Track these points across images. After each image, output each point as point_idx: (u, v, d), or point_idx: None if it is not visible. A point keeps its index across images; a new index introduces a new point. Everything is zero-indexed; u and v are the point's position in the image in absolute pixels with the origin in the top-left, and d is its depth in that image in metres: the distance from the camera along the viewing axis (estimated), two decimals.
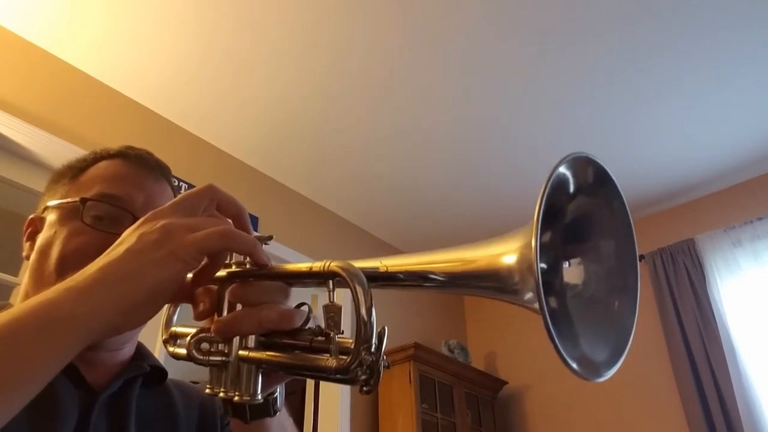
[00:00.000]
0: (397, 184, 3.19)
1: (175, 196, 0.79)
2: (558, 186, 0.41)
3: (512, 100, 2.64)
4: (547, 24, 2.26)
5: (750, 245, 3.04)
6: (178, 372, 0.82)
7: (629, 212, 0.47)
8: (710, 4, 2.19)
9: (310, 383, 3.09)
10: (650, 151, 2.98)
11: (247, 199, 2.86)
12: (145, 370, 0.71)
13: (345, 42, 2.32)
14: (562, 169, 0.41)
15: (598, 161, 0.44)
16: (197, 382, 1.08)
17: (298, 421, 3.94)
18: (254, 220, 2.85)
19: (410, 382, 2.95)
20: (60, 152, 2.16)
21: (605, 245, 0.46)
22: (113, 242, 0.46)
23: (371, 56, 2.39)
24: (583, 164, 0.43)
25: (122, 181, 0.72)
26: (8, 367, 0.38)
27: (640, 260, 3.41)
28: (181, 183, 2.54)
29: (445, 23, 2.24)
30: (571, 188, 0.43)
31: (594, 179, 0.44)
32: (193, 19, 2.20)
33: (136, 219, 0.68)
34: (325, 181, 3.15)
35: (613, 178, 0.45)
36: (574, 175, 0.43)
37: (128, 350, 0.73)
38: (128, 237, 0.46)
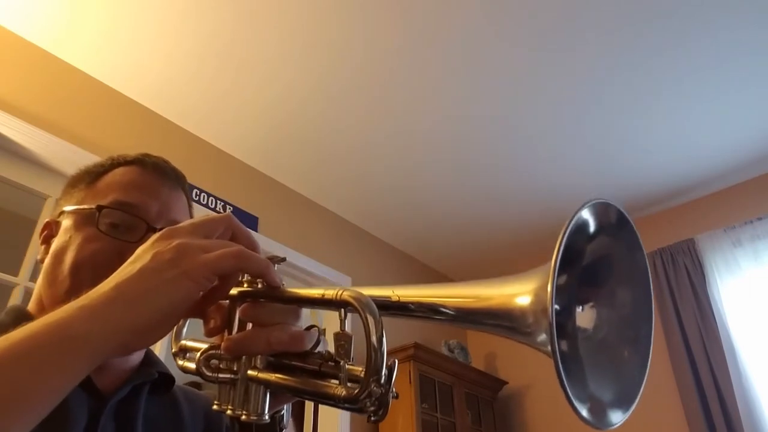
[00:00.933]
0: (397, 184, 3.19)
1: (190, 204, 0.80)
2: (577, 229, 0.40)
3: (512, 100, 2.64)
4: (547, 24, 2.26)
5: (750, 245, 3.04)
6: (185, 375, 0.83)
7: (648, 265, 0.47)
8: (710, 4, 2.19)
9: None
10: (650, 151, 2.98)
11: (247, 199, 2.86)
12: (153, 377, 0.72)
13: (345, 42, 2.32)
14: (584, 214, 0.41)
15: (620, 207, 0.43)
16: (199, 384, 1.09)
17: (298, 421, 3.94)
18: (254, 220, 2.85)
19: (410, 382, 2.95)
20: (60, 152, 2.16)
21: (621, 293, 0.46)
22: (127, 250, 0.47)
23: (371, 56, 2.39)
24: (605, 210, 0.43)
25: (138, 189, 0.73)
26: (22, 385, 0.38)
27: None
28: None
29: (444, 23, 2.25)
30: (591, 232, 0.43)
31: (615, 227, 0.44)
32: (193, 19, 2.20)
33: (150, 227, 0.69)
34: (325, 181, 3.15)
35: (635, 228, 0.45)
36: (595, 221, 0.42)
37: (137, 356, 0.73)
38: (143, 254, 0.46)
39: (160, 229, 0.68)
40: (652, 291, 0.47)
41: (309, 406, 3.05)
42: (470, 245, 3.79)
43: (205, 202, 2.64)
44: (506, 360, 3.77)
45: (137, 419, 0.67)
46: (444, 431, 3.08)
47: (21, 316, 0.68)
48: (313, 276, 3.04)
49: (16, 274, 1.97)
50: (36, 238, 2.04)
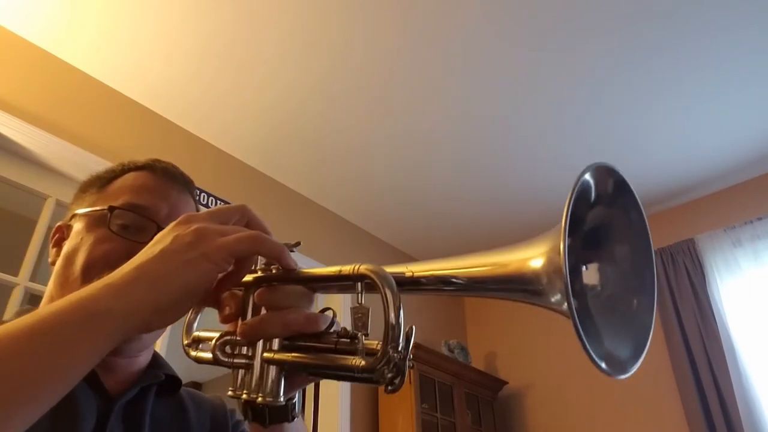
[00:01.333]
0: (397, 184, 3.19)
1: (197, 208, 0.82)
2: (581, 193, 0.42)
3: (512, 100, 2.64)
4: (547, 24, 2.26)
5: (750, 245, 3.04)
6: (185, 374, 0.83)
7: (646, 217, 0.48)
8: (710, 4, 2.19)
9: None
10: (650, 151, 2.98)
11: (247, 199, 2.86)
12: (160, 379, 0.73)
13: (345, 42, 2.32)
14: (587, 177, 0.43)
15: (619, 171, 0.45)
16: (199, 384, 1.09)
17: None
18: None
19: (410, 382, 2.95)
20: (60, 152, 2.16)
21: (622, 249, 0.48)
22: (138, 250, 0.48)
23: (371, 56, 2.39)
24: (605, 173, 0.45)
25: (148, 192, 0.74)
26: (50, 358, 0.40)
27: None
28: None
29: (444, 24, 2.25)
30: (593, 195, 0.45)
31: (614, 188, 0.46)
32: (193, 20, 2.20)
33: (160, 229, 0.70)
34: (325, 181, 3.15)
35: (632, 188, 0.47)
36: (596, 183, 0.44)
37: (144, 358, 0.75)
38: (164, 237, 0.48)
39: None
40: (651, 240, 0.48)
41: (309, 406, 3.05)
42: (470, 245, 3.78)
43: (205, 202, 2.64)
44: (506, 360, 3.77)
45: (144, 421, 0.68)
46: (444, 431, 3.08)
47: None
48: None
49: (16, 274, 1.97)
50: (36, 239, 2.04)
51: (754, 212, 3.08)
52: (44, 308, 0.42)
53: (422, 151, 2.94)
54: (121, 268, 0.46)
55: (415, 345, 3.02)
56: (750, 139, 2.95)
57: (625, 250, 0.48)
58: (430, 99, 2.62)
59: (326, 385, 2.96)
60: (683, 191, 3.33)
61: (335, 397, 2.83)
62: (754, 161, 3.10)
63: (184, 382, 0.79)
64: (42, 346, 0.40)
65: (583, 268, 0.47)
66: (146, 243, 0.54)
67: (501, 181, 3.19)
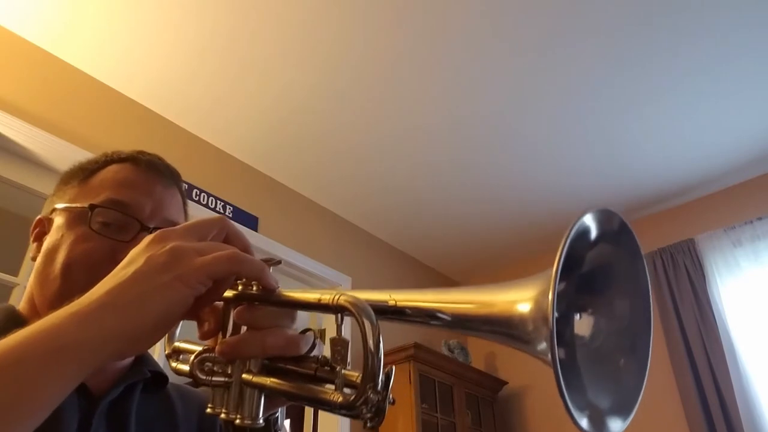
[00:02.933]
0: (397, 184, 3.19)
1: (185, 202, 0.79)
2: (578, 236, 0.40)
3: (512, 100, 2.64)
4: (547, 24, 2.26)
5: (750, 245, 3.04)
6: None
7: (648, 276, 0.46)
8: (710, 4, 2.19)
9: None
10: (650, 151, 2.98)
11: (247, 199, 2.86)
12: (145, 376, 0.71)
13: (345, 42, 2.32)
14: (586, 221, 0.40)
15: (622, 217, 0.43)
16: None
17: (299, 421, 3.94)
18: (254, 220, 2.85)
19: (410, 382, 2.95)
20: (60, 152, 2.16)
21: (620, 302, 0.46)
22: (119, 249, 0.46)
23: (371, 56, 2.39)
24: (607, 218, 0.42)
25: (131, 187, 0.72)
26: (13, 395, 0.37)
27: None
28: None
29: (444, 24, 2.24)
30: (592, 239, 0.42)
31: (616, 235, 0.44)
32: (193, 19, 2.20)
33: (143, 227, 0.68)
34: (325, 181, 3.15)
35: (636, 237, 0.44)
36: (597, 228, 0.42)
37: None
38: (137, 258, 0.45)
39: (154, 228, 0.66)
40: (651, 301, 0.46)
41: (309, 408, 3.05)
42: (470, 245, 3.79)
43: (205, 202, 2.64)
44: (506, 360, 3.77)
45: (130, 419, 0.66)
46: (444, 431, 3.08)
47: (11, 317, 0.68)
48: (313, 276, 3.04)
49: (16, 274, 1.97)
50: None
51: (754, 212, 3.08)
52: (6, 340, 0.40)
53: (422, 151, 2.94)
54: (90, 292, 0.43)
55: (415, 345, 3.02)
56: (750, 139, 2.95)
57: (624, 303, 0.45)
58: (430, 99, 2.62)
59: None
60: (683, 191, 3.33)
61: None
62: (754, 161, 3.10)
63: (185, 382, 0.79)
64: (3, 382, 0.37)
65: (577, 316, 0.45)
66: (129, 242, 0.53)
67: (501, 181, 3.19)
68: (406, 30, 2.27)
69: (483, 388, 3.45)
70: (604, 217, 0.42)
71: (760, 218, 3.05)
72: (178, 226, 0.49)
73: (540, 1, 2.16)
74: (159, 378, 0.73)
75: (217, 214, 0.51)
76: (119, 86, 2.49)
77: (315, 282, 3.06)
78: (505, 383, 3.58)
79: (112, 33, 2.24)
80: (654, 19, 2.25)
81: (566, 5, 2.18)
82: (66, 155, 2.16)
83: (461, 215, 3.48)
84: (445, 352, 3.46)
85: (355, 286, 3.17)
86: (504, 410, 3.59)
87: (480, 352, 3.85)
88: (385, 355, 0.46)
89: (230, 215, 2.72)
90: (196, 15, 2.18)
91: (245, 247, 0.51)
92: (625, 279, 0.46)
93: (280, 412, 0.57)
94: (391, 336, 3.10)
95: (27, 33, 2.22)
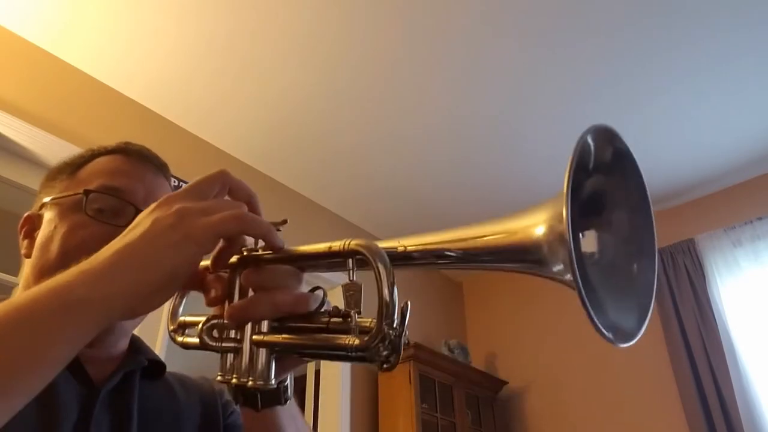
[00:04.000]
0: (397, 184, 3.19)
1: None
2: (581, 157, 0.40)
3: (512, 100, 2.64)
4: (547, 23, 2.26)
5: (750, 245, 3.04)
6: (174, 364, 0.82)
7: (647, 185, 0.46)
8: (710, 4, 2.19)
9: (309, 383, 3.09)
10: (650, 151, 2.98)
11: None
12: (143, 364, 0.71)
13: (345, 42, 2.32)
14: (588, 139, 0.41)
15: (619, 135, 0.43)
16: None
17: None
18: None
19: (410, 382, 2.95)
20: (60, 152, 2.16)
21: (620, 215, 0.46)
22: (116, 234, 0.46)
23: (371, 56, 2.39)
24: (605, 136, 0.43)
25: (123, 174, 0.72)
26: (26, 350, 0.38)
27: None
28: (180, 183, 2.54)
29: (444, 23, 2.24)
30: (592, 161, 0.43)
31: (614, 153, 0.44)
32: (193, 19, 2.20)
33: (138, 211, 0.67)
34: (325, 181, 3.15)
35: (632, 153, 0.45)
36: (596, 147, 0.42)
37: (123, 344, 0.72)
38: (143, 220, 0.46)
39: None
40: (649, 200, 0.46)
41: (309, 407, 3.05)
42: None
43: None
44: (506, 360, 3.77)
45: (132, 407, 0.66)
46: (444, 431, 3.08)
47: None
48: (312, 275, 3.04)
49: (16, 274, 1.97)
50: None
51: (754, 212, 3.08)
52: (17, 297, 0.40)
53: (422, 151, 2.94)
54: (98, 253, 0.44)
55: (415, 345, 3.02)
56: (750, 139, 2.95)
57: (624, 216, 0.46)
58: (431, 99, 2.62)
59: (326, 385, 2.97)
60: (683, 191, 3.33)
61: (335, 397, 2.83)
62: (754, 161, 3.10)
63: (182, 374, 0.78)
64: (16, 338, 0.38)
65: (581, 235, 0.45)
66: (125, 226, 0.53)
67: (501, 180, 3.19)
68: (406, 30, 2.27)
69: (483, 388, 3.45)
70: (606, 135, 0.42)
71: (760, 218, 3.04)
72: (180, 189, 0.49)
73: (540, 2, 2.16)
74: (157, 366, 0.73)
75: (216, 170, 0.51)
76: (119, 86, 2.49)
77: (315, 282, 3.05)
78: (505, 383, 3.58)
79: (112, 33, 2.24)
80: (654, 20, 2.25)
81: (566, 5, 2.18)
82: (66, 155, 2.16)
83: (461, 215, 3.48)
84: (445, 352, 3.46)
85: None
86: (504, 410, 3.59)
87: (480, 352, 3.85)
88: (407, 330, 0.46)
89: None
90: (196, 15, 2.18)
91: (249, 197, 0.51)
92: (624, 191, 0.46)
93: (289, 381, 0.57)
94: None
95: (27, 33, 2.22)
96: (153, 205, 0.47)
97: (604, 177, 0.44)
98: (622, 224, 0.46)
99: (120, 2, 2.12)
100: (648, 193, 0.47)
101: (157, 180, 0.75)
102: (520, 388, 3.61)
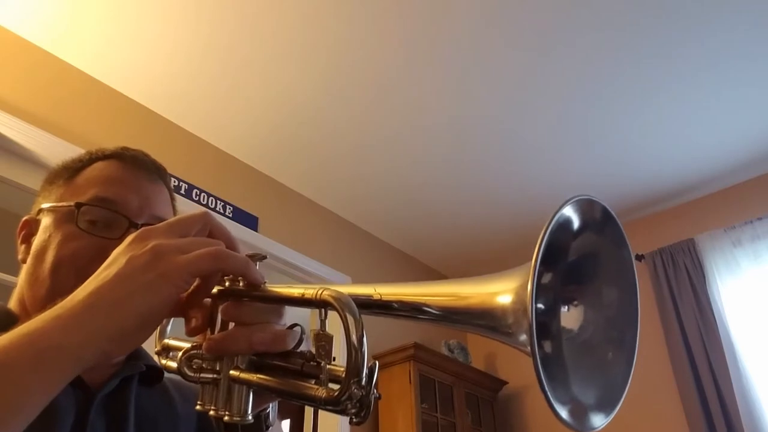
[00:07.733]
0: (397, 184, 3.19)
1: (172, 197, 0.78)
2: (560, 226, 0.39)
3: (512, 100, 2.64)
4: (547, 24, 2.26)
5: (750, 245, 3.04)
6: None
7: (633, 263, 0.46)
8: (710, 4, 2.19)
9: None
10: (650, 151, 2.98)
11: (247, 199, 2.86)
12: (141, 369, 0.70)
13: (345, 42, 2.32)
14: (566, 211, 0.40)
15: (604, 204, 0.42)
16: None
17: (298, 420, 3.94)
18: (254, 220, 2.85)
19: (410, 382, 2.95)
20: (60, 152, 2.16)
21: (607, 292, 0.45)
22: (108, 247, 0.46)
23: (371, 56, 2.39)
24: (589, 206, 0.42)
25: (117, 183, 0.71)
26: None
27: (639, 260, 3.39)
28: (180, 183, 2.54)
29: (444, 24, 2.24)
30: (575, 228, 0.42)
31: (599, 223, 0.43)
32: (193, 19, 2.20)
33: (131, 223, 0.67)
34: (325, 181, 3.15)
35: (620, 224, 0.43)
36: (580, 217, 0.41)
37: None
38: (118, 257, 0.45)
39: (143, 225, 0.66)
40: (638, 292, 0.45)
41: (309, 407, 3.05)
42: (469, 245, 3.79)
43: (205, 202, 2.64)
44: (506, 360, 3.77)
45: (128, 411, 0.65)
46: (444, 431, 3.08)
47: (5, 315, 0.68)
48: (312, 276, 3.04)
49: (16, 274, 1.97)
50: None
51: (754, 212, 3.08)
52: None
53: (422, 151, 2.94)
54: (74, 294, 0.43)
55: (415, 345, 3.02)
56: (750, 139, 2.95)
57: (611, 294, 0.45)
58: (430, 99, 2.62)
59: None
60: (683, 191, 3.33)
61: None
62: (754, 161, 3.10)
63: (180, 380, 0.78)
64: None
65: (564, 308, 0.44)
66: (116, 239, 0.53)
67: (501, 181, 3.19)
68: (406, 30, 2.27)
69: (483, 388, 3.45)
70: (586, 206, 0.41)
71: (760, 218, 3.04)
72: (159, 224, 0.48)
73: (539, 2, 2.16)
74: (155, 372, 0.73)
75: (200, 209, 0.51)
76: (119, 86, 2.49)
77: (315, 282, 3.06)
78: (505, 383, 3.58)
79: (112, 33, 2.24)
80: (653, 20, 2.25)
81: (566, 6, 2.18)
82: (66, 155, 2.15)
83: (461, 215, 3.48)
84: (445, 352, 3.46)
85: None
86: (504, 410, 3.59)
87: (480, 352, 3.85)
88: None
89: (230, 215, 2.72)
90: (196, 15, 2.18)
91: (229, 241, 0.50)
92: (612, 268, 0.45)
93: (271, 408, 0.56)
94: (391, 336, 3.10)
95: (28, 33, 2.22)
96: (130, 238, 0.46)
97: (593, 244, 0.43)
98: (610, 304, 0.45)
99: (120, 3, 2.12)
100: (636, 279, 0.45)
101: (154, 186, 0.74)
102: (520, 388, 3.61)
